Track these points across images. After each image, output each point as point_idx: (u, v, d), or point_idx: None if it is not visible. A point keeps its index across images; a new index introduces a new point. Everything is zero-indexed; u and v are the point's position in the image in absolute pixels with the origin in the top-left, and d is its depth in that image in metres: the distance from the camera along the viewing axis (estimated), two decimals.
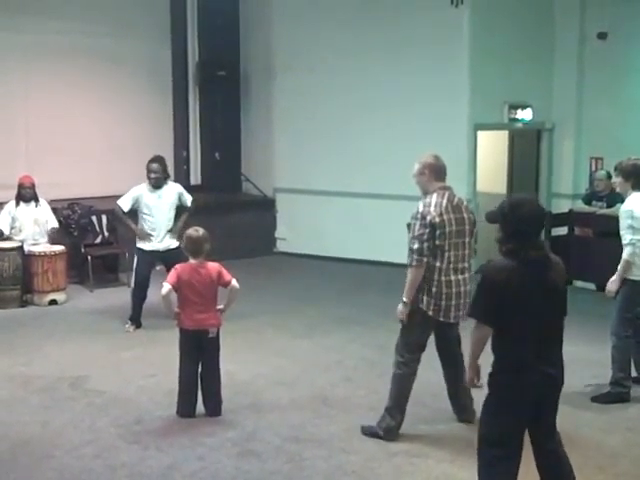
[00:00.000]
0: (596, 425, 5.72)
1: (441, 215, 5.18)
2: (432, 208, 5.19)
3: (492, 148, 11.39)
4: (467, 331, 5.66)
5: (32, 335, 8.00)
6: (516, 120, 10.99)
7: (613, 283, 6.03)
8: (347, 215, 11.43)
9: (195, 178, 12.58)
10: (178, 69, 12.24)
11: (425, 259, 5.18)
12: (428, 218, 5.16)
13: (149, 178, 8.18)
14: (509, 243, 3.96)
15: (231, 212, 11.84)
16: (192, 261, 5.83)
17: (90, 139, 11.31)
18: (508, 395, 3.93)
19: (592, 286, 9.15)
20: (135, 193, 8.23)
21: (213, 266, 5.86)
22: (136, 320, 8.14)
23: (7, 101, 10.72)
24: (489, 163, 11.23)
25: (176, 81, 12.27)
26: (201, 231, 5.90)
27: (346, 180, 11.38)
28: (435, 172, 5.34)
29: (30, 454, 5.25)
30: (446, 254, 5.22)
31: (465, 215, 5.35)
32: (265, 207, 12.24)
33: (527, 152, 11.52)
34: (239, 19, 12.34)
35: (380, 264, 10.39)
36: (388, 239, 9.37)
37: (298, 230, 11.94)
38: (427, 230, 5.16)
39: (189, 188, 12.21)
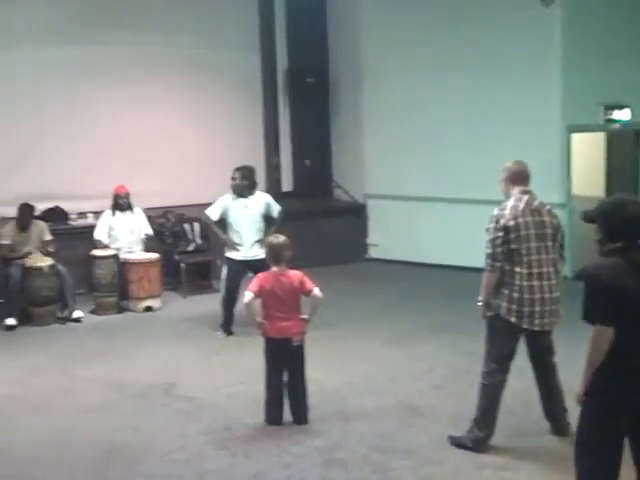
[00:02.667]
0: None
1: (515, 218, 5.08)
2: (507, 211, 5.12)
3: (587, 150, 11.07)
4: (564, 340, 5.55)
5: (127, 341, 8.20)
6: (613, 121, 10.64)
7: None
8: (440, 221, 11.29)
9: (286, 185, 12.65)
10: (267, 77, 12.33)
11: (498, 264, 5.08)
12: (501, 222, 5.08)
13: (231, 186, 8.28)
14: (611, 243, 3.81)
15: (322, 218, 11.88)
16: (274, 269, 5.83)
17: (182, 148, 11.49)
18: (610, 401, 3.77)
19: None
20: (222, 203, 8.32)
21: (295, 274, 5.83)
22: (227, 328, 8.21)
23: (104, 114, 11.00)
24: (585, 166, 10.92)
25: (266, 89, 12.36)
26: (281, 238, 5.90)
27: (438, 185, 11.25)
28: (513, 177, 5.29)
29: (123, 459, 5.36)
30: (525, 258, 5.09)
31: (546, 219, 5.20)
32: (356, 213, 12.22)
33: (625, 154, 11.15)
34: (327, 26, 12.37)
35: (473, 270, 10.16)
36: (481, 245, 9.20)
37: (390, 236, 11.86)
38: (500, 234, 5.07)
39: (280, 195, 12.38)
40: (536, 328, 5.18)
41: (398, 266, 11.44)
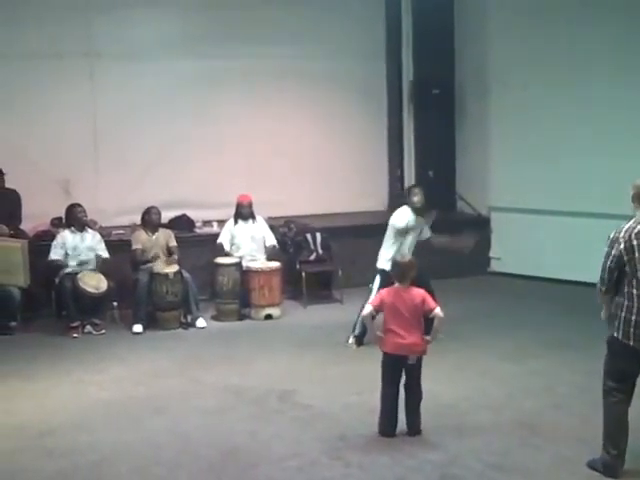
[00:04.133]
0: None
1: (629, 241, 4.91)
2: (621, 234, 4.97)
3: None
4: None
5: (248, 347, 8.34)
6: None
7: None
8: (566, 235, 10.96)
9: None
10: (392, 88, 12.33)
11: (610, 285, 4.98)
12: (615, 244, 4.96)
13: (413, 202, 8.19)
14: None
15: (445, 231, 11.72)
16: (397, 285, 5.86)
17: (306, 158, 11.65)
18: None
19: None
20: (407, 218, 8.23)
21: (418, 292, 5.84)
22: (360, 340, 8.15)
23: (231, 124, 11.28)
24: None
25: (391, 100, 12.37)
26: (407, 258, 6.05)
27: (565, 199, 10.92)
28: (638, 196, 5.07)
29: (238, 462, 5.45)
30: (637, 281, 4.92)
31: None
32: (480, 226, 12.01)
33: None
34: (454, 37, 12.24)
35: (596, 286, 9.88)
36: None
37: (513, 250, 11.61)
38: (614, 255, 4.95)
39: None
40: None
41: (520, 280, 11.19)
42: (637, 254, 4.92)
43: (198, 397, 6.79)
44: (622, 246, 4.93)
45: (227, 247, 9.75)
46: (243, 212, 9.82)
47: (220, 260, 9.57)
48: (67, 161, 10.56)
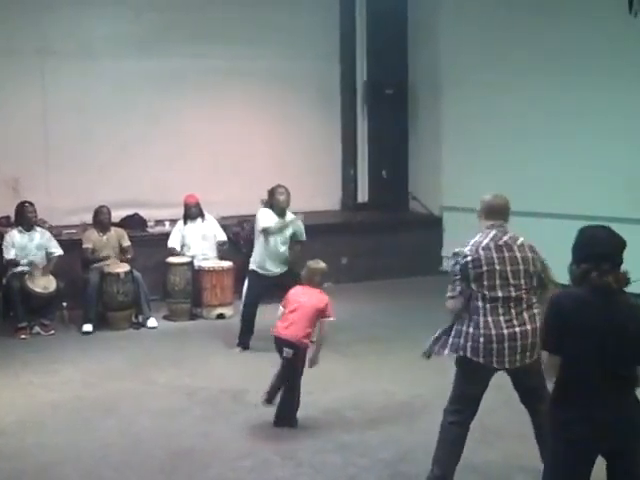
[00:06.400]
0: None
1: (476, 253, 4.75)
2: (467, 248, 4.81)
3: None
4: None
5: (199, 347, 8.30)
6: None
7: None
8: (517, 235, 11.07)
9: (362, 196, 12.65)
10: (346, 88, 12.39)
11: (458, 296, 4.80)
12: (460, 257, 4.78)
13: (279, 201, 8.09)
14: (580, 266, 3.66)
15: (397, 230, 11.82)
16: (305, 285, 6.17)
17: (260, 158, 11.62)
18: (563, 434, 3.60)
19: None
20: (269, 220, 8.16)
21: (321, 297, 6.06)
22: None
23: (183, 124, 11.21)
24: None
25: (345, 100, 12.43)
26: (321, 264, 6.27)
27: (516, 199, 10.70)
28: (486, 211, 5.08)
29: (189, 463, 5.41)
30: (487, 294, 4.76)
31: (518, 254, 4.88)
32: (432, 226, 12.12)
33: None
34: (407, 38, 12.37)
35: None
36: (557, 260, 8.97)
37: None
38: (458, 268, 4.76)
39: (356, 206, 12.39)
40: (506, 366, 4.88)
41: None
42: (485, 268, 4.76)
43: (149, 398, 6.73)
44: (467, 259, 4.75)
45: (178, 249, 9.69)
46: (191, 212, 9.76)
47: (172, 259, 9.50)
48: (17, 159, 10.38)
